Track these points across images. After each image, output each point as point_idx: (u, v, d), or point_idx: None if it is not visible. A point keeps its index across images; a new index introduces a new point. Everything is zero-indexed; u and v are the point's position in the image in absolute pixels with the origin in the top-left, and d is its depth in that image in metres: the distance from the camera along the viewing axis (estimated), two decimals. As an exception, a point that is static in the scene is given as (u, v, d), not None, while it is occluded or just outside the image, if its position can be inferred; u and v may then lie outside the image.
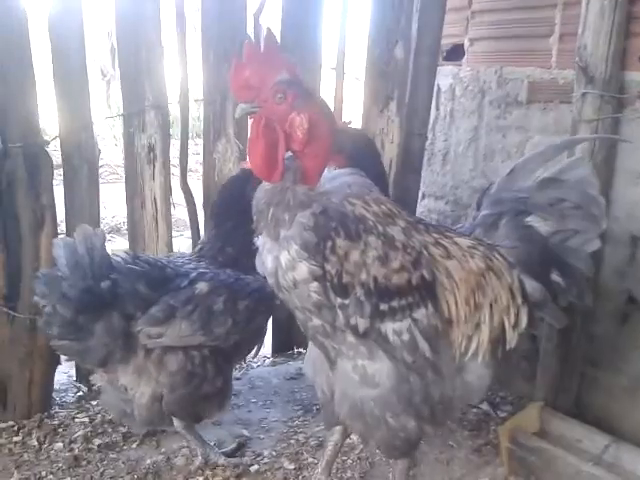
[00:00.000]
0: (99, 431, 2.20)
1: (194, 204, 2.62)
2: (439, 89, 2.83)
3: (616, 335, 2.18)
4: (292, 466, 2.05)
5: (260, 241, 1.51)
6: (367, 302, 1.42)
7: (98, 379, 1.95)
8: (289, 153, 1.44)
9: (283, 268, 1.42)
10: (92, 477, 1.95)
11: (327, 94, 2.62)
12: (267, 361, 2.95)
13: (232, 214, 2.06)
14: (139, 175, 2.41)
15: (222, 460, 2.00)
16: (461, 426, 2.32)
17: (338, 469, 2.02)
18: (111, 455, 2.07)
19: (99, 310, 1.75)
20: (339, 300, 1.43)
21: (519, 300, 1.59)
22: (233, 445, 2.13)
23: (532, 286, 1.60)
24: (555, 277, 1.61)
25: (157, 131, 2.37)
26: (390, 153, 2.60)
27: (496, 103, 2.58)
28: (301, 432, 2.28)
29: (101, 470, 1.99)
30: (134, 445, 2.13)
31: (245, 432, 2.25)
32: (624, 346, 2.16)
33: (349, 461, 2.08)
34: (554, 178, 1.60)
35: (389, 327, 1.45)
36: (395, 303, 1.44)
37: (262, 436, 2.24)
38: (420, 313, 1.47)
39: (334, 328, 1.48)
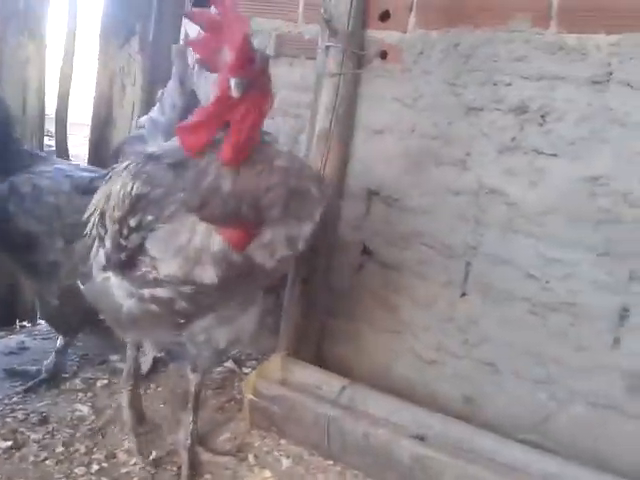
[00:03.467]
0: None
1: None
2: (187, 36, 2.66)
3: (352, 285, 2.29)
4: (6, 445, 1.75)
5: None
6: None
7: None
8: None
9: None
10: None
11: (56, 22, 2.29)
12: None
13: None
14: None
15: None
16: (205, 385, 2.23)
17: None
18: None
19: None
20: None
21: None
22: None
23: None
24: None
25: None
26: (132, 96, 2.37)
27: (245, 55, 2.52)
28: (20, 409, 1.96)
29: None
30: None
31: (-54, 415, 1.86)
32: (358, 294, 2.27)
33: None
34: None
35: None
36: None
37: (-31, 418, 1.88)
38: None
39: None
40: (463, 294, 2.03)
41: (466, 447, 1.76)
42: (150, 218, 1.36)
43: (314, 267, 2.27)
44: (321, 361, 2.26)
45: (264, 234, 1.36)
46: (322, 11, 2.08)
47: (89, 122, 2.70)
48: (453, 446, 1.75)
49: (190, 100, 1.81)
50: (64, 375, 2.20)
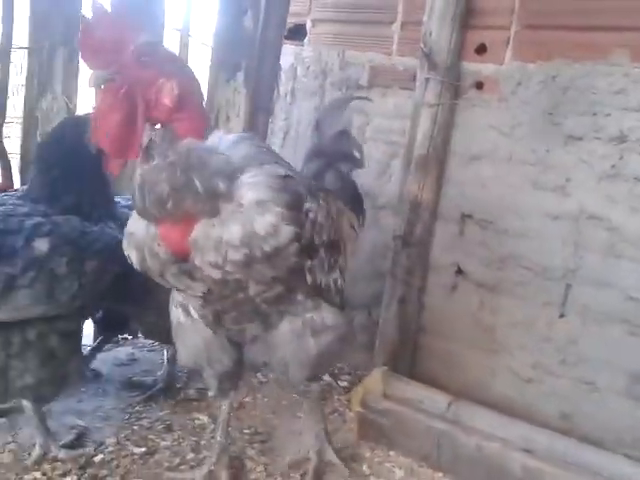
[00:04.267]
0: None
1: (10, 169, 2.28)
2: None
3: (446, 304, 2.39)
4: (140, 450, 1.90)
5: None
6: (326, 260, 1.56)
7: None
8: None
9: (262, 235, 1.32)
10: None
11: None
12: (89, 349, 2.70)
13: (66, 159, 1.77)
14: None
15: (62, 454, 1.77)
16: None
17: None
18: None
19: None
20: (309, 262, 1.50)
21: (355, 233, 1.91)
22: (71, 436, 1.89)
23: None
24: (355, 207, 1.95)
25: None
26: (236, 127, 2.53)
27: (338, 85, 2.66)
28: (145, 417, 2.11)
29: None
30: None
31: (80, 422, 2.02)
32: (452, 313, 2.38)
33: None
34: (344, 131, 2.01)
35: (332, 277, 1.62)
36: (336, 256, 1.63)
37: (100, 425, 2.03)
38: (341, 259, 1.68)
39: (291, 291, 1.52)
40: (561, 315, 2.11)
41: (571, 461, 1.84)
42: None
43: (409, 287, 2.39)
44: (415, 377, 2.36)
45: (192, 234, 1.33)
46: (422, 45, 2.22)
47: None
48: (560, 459, 1.83)
49: (324, 140, 1.99)
50: (177, 385, 2.35)
